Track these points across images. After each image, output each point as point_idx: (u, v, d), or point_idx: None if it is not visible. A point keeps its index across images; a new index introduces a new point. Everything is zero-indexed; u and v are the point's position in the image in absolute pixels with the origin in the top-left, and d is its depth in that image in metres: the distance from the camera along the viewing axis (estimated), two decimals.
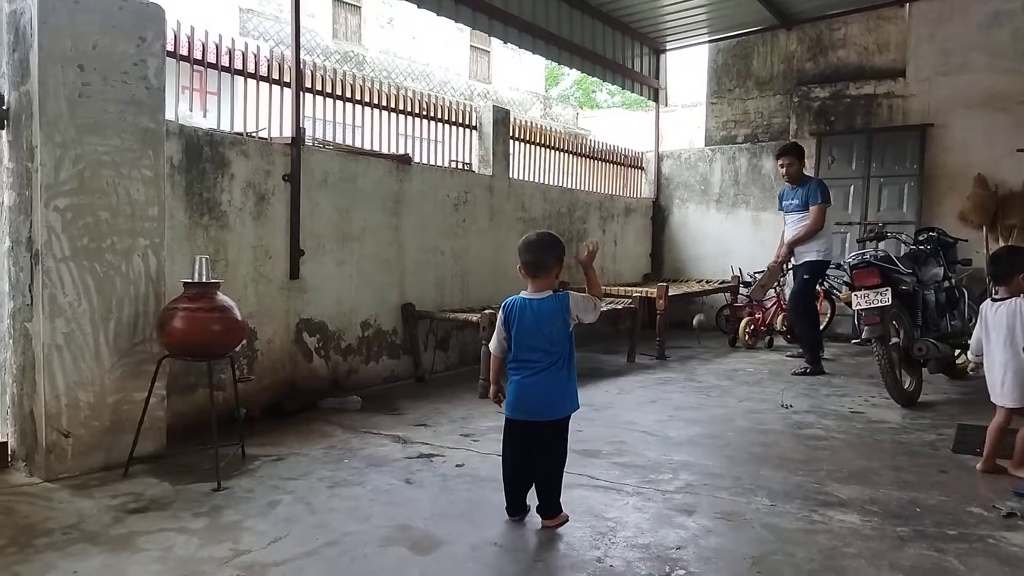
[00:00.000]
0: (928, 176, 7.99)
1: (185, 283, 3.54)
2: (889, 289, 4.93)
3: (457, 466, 3.64)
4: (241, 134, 4.79)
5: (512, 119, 7.29)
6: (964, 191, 7.64)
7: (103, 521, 2.88)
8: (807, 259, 6.34)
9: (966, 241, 6.53)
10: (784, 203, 6.58)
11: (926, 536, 2.79)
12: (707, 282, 8.84)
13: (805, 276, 6.34)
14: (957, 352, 5.86)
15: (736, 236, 9.12)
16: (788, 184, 6.52)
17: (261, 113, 5.02)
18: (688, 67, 12.66)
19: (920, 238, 5.90)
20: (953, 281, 5.73)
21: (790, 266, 6.77)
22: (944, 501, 3.17)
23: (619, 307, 6.96)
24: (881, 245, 5.78)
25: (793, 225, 6.44)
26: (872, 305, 4.93)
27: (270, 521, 2.90)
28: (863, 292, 4.98)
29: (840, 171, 8.39)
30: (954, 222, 7.47)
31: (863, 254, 5.29)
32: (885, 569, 2.51)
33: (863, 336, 5.21)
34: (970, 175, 7.63)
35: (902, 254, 5.56)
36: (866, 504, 3.13)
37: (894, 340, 5.06)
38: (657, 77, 9.75)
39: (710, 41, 9.61)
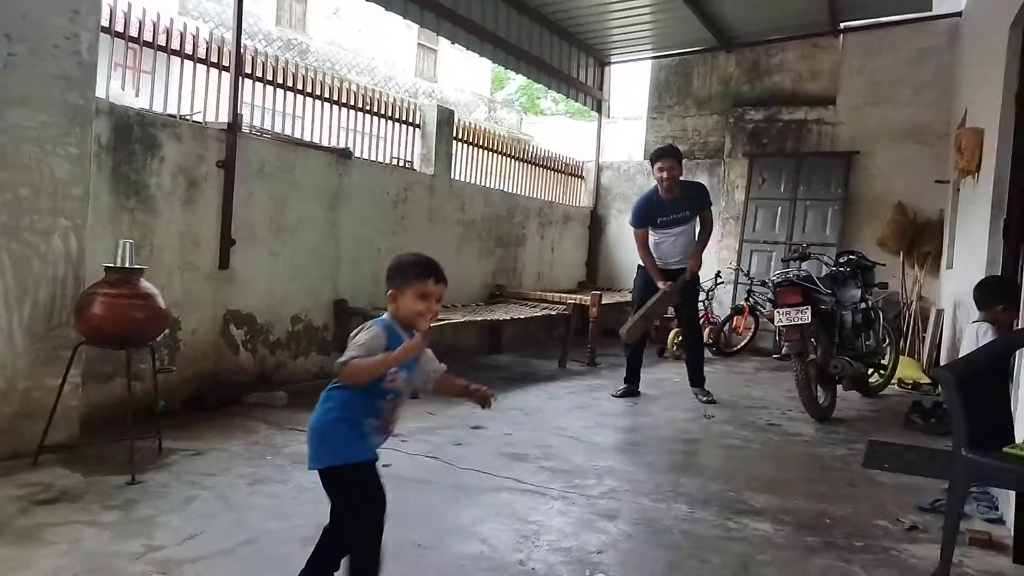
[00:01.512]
0: (852, 201, 8.34)
1: (107, 267, 3.42)
2: (809, 308, 5.13)
3: (383, 466, 3.58)
4: (175, 116, 4.65)
5: (456, 120, 7.28)
6: (884, 217, 8.01)
7: (8, 512, 2.75)
8: (695, 272, 5.69)
9: (883, 265, 6.86)
10: (662, 218, 5.63)
11: (834, 547, 2.91)
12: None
13: (698, 287, 5.97)
14: (870, 371, 6.15)
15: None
16: (661, 193, 5.60)
17: (197, 96, 4.88)
18: (631, 81, 12.88)
19: (841, 260, 6.15)
20: (870, 303, 6.00)
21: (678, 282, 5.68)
22: (853, 513, 3.31)
23: (553, 313, 7.03)
24: (804, 265, 6.00)
25: (678, 236, 5.64)
26: (793, 322, 5.12)
27: (186, 517, 2.83)
28: (785, 310, 5.17)
29: (769, 192, 8.68)
30: (873, 247, 7.81)
31: (787, 273, 5.49)
32: None
33: (783, 352, 5.41)
34: (891, 202, 8.00)
35: (823, 275, 5.78)
36: (779, 513, 3.25)
37: (812, 357, 5.27)
38: (601, 88, 9.91)
39: (653, 57, 9.81)
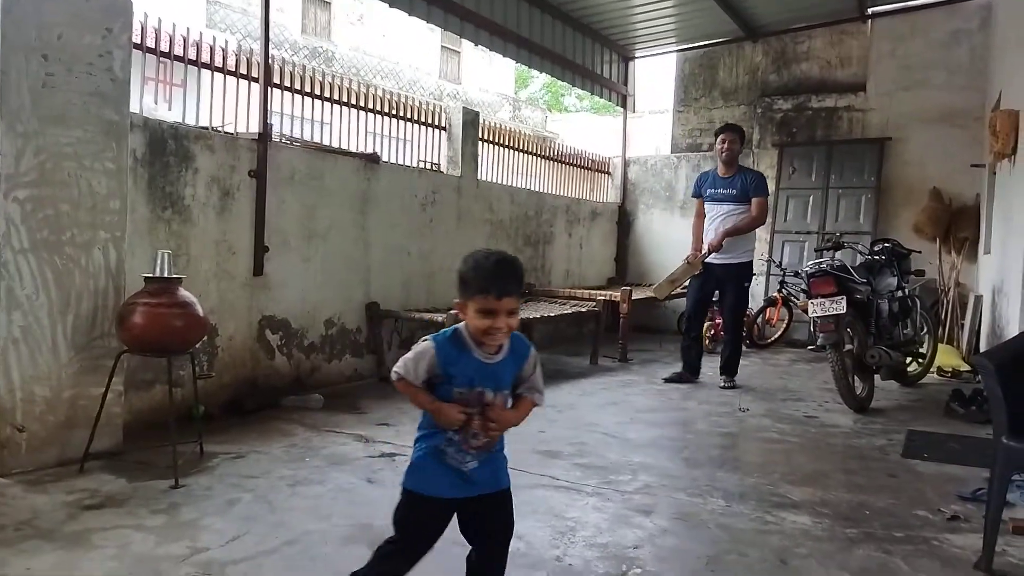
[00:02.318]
0: (885, 188, 8.21)
1: (146, 278, 3.50)
2: (844, 298, 5.06)
3: None
4: (206, 128, 4.74)
5: (481, 121, 7.32)
6: (919, 204, 7.87)
7: (58, 517, 2.84)
8: (742, 260, 5.85)
9: (919, 253, 6.73)
10: (711, 190, 5.89)
11: (874, 538, 2.88)
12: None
13: (745, 284, 5.94)
14: (908, 360, 6.05)
15: None
16: (719, 169, 5.91)
17: (227, 108, 4.97)
18: (656, 75, 12.82)
19: (875, 249, 6.06)
20: (906, 291, 5.91)
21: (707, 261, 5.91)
22: (892, 504, 3.27)
23: (583, 310, 7.03)
24: (838, 255, 5.93)
25: (724, 218, 5.81)
26: (827, 313, 5.06)
27: (229, 519, 2.89)
28: (819, 300, 5.11)
29: (800, 182, 8.58)
30: (909, 234, 7.69)
31: (820, 263, 5.42)
32: (834, 569, 2.59)
33: (818, 343, 5.35)
34: (925, 188, 7.87)
35: (858, 264, 5.71)
36: (817, 506, 3.22)
37: (848, 347, 5.20)
38: (625, 84, 9.87)
39: (678, 50, 9.75)
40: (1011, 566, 2.63)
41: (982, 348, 6.35)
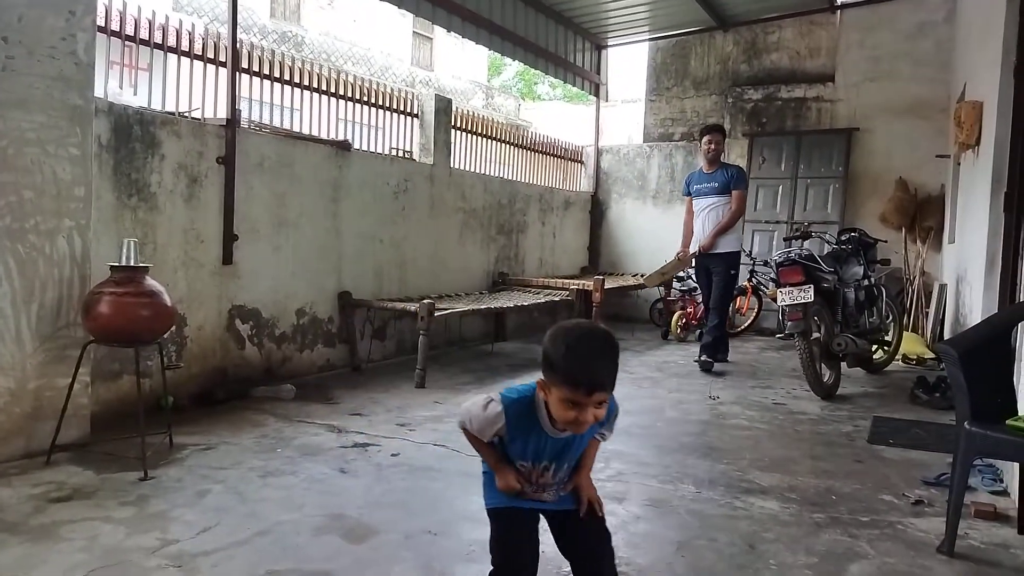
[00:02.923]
0: (852, 178, 8.33)
1: (112, 266, 3.44)
2: (812, 286, 5.14)
3: (393, 455, 3.65)
4: (173, 113, 4.66)
5: (454, 108, 7.28)
6: (886, 194, 8.00)
7: (24, 510, 2.79)
8: (729, 250, 6.29)
9: (885, 242, 6.85)
10: (695, 187, 6.44)
11: (840, 522, 2.94)
12: (642, 276, 9.01)
13: (732, 272, 6.33)
14: (874, 348, 6.17)
15: (671, 232, 9.23)
16: (704, 166, 6.42)
17: (195, 93, 4.89)
18: (629, 64, 12.85)
19: (842, 238, 6.16)
20: (872, 280, 6.01)
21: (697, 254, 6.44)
22: (858, 489, 3.34)
23: (556, 299, 7.05)
24: (806, 244, 6.01)
25: (708, 211, 6.28)
26: (796, 301, 5.13)
27: (199, 511, 2.86)
28: (788, 289, 5.18)
29: (770, 171, 8.67)
30: (875, 223, 7.82)
31: (789, 252, 5.50)
32: (801, 553, 2.64)
33: (787, 331, 5.44)
34: (892, 179, 7.99)
35: (825, 253, 5.79)
36: (785, 491, 3.28)
37: (815, 335, 5.29)
38: (598, 72, 9.87)
39: (650, 39, 9.78)
40: (973, 549, 2.71)
41: (946, 336, 6.49)
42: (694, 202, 6.45)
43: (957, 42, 7.59)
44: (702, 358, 6.22)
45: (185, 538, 2.60)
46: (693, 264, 6.59)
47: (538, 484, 1.80)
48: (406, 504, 3.02)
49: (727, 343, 6.57)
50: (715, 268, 6.33)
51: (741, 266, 8.40)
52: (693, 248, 6.41)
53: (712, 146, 6.30)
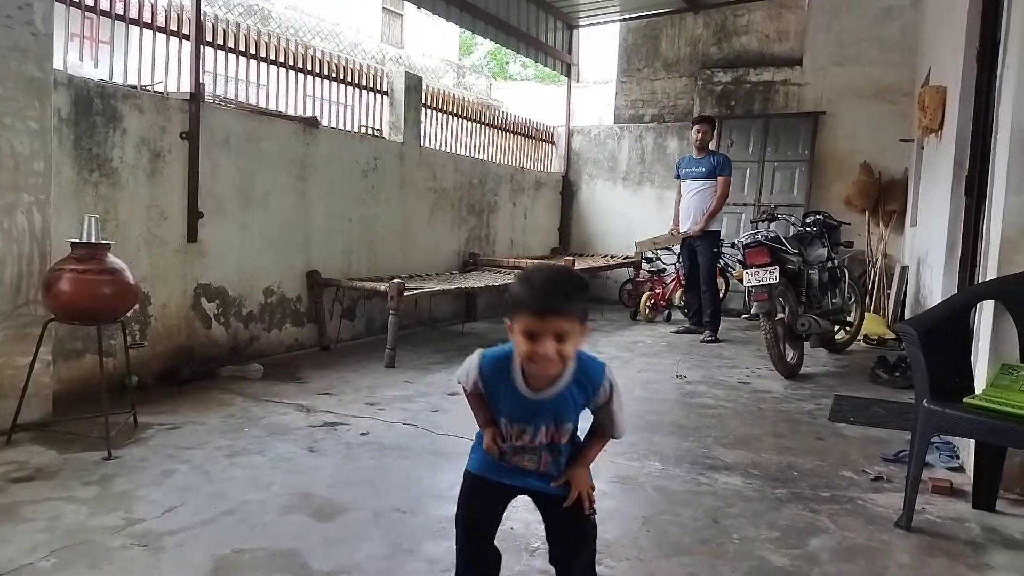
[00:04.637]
0: (818, 162, 8.44)
1: (73, 243, 3.36)
2: (777, 268, 5.22)
3: (362, 434, 3.65)
4: (135, 87, 4.55)
5: (425, 86, 7.21)
6: (850, 177, 8.12)
7: None
8: (713, 229, 6.96)
9: (849, 224, 6.98)
10: (684, 170, 7.09)
11: (802, 498, 3.01)
12: (612, 257, 9.07)
13: (715, 249, 7.02)
14: (837, 328, 6.29)
15: (641, 213, 9.38)
16: (693, 153, 7.06)
17: (158, 66, 4.77)
18: (601, 45, 12.82)
19: (807, 220, 6.25)
20: (836, 262, 6.11)
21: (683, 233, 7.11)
22: (819, 465, 3.42)
23: None
24: (772, 226, 6.10)
25: (695, 193, 6.92)
26: (761, 282, 5.21)
27: (164, 490, 2.83)
28: (753, 270, 5.26)
29: (738, 154, 8.73)
30: (839, 206, 7.94)
31: (755, 234, 5.57)
32: (764, 528, 2.70)
33: (752, 311, 5.53)
34: (856, 162, 8.11)
35: (790, 235, 5.88)
36: (749, 468, 3.34)
37: (780, 316, 5.38)
38: (570, 52, 9.84)
39: (621, 20, 9.76)
40: (930, 523, 2.79)
41: (906, 317, 6.63)
42: (683, 184, 7.08)
43: (923, 27, 7.70)
44: (707, 336, 6.79)
45: (150, 517, 2.58)
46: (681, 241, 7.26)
47: (517, 447, 1.79)
48: (375, 482, 3.02)
49: (719, 316, 7.05)
50: (699, 246, 6.96)
51: None
52: (684, 228, 7.03)
53: (700, 135, 6.93)
